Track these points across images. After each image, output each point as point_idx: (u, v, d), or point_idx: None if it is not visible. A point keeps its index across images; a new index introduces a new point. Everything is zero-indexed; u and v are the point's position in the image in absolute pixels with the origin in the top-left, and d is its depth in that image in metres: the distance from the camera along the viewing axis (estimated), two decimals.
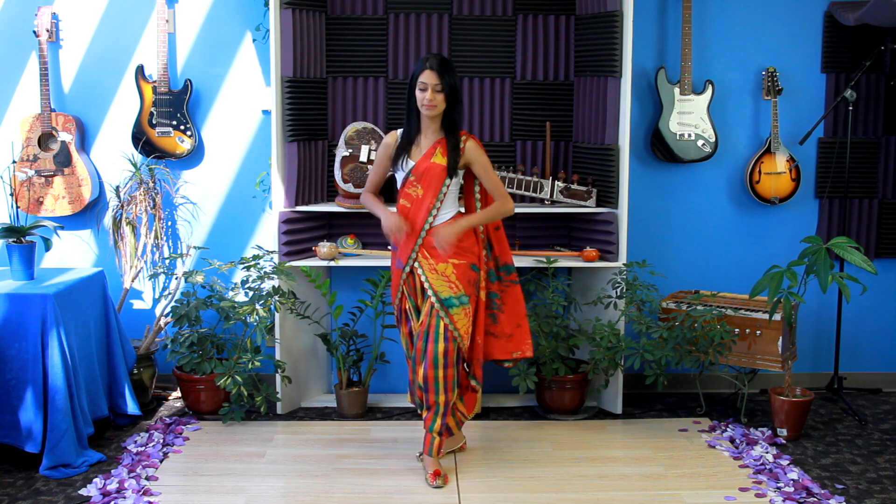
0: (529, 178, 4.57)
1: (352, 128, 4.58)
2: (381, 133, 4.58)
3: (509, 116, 4.78)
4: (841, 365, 4.84)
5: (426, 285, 3.76)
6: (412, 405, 4.56)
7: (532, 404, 4.73)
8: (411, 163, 3.79)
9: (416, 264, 3.79)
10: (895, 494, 3.71)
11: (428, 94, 3.67)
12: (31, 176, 4.68)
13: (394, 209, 3.83)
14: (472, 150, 3.75)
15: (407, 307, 3.87)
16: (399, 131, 3.86)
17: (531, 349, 4.00)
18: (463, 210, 3.91)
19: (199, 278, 4.51)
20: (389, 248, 4.05)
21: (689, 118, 4.75)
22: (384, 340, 4.71)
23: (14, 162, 4.65)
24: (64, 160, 4.69)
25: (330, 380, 4.93)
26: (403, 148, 3.81)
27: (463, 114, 3.80)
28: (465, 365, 3.92)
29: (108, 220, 4.83)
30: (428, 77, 3.66)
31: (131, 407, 4.36)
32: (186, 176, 4.86)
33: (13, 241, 4.10)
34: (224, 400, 4.49)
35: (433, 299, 3.74)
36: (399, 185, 3.85)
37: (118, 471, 3.83)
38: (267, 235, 4.85)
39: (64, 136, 4.69)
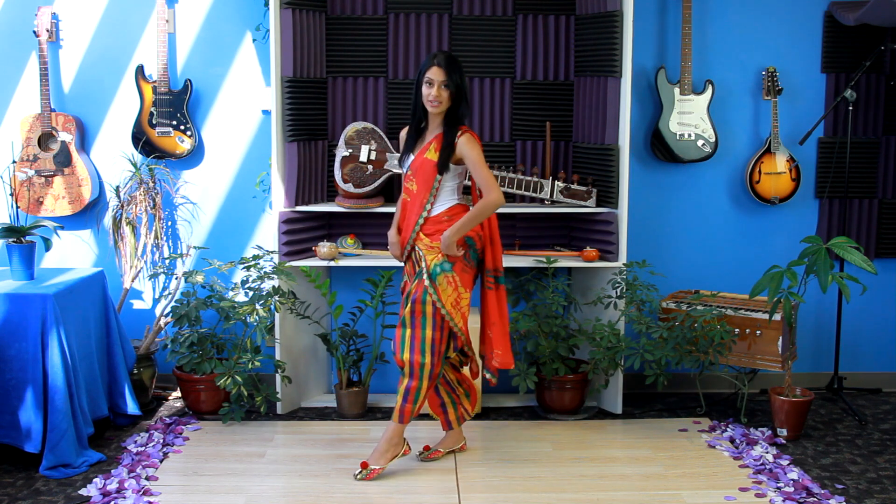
0: (529, 178, 4.57)
1: (352, 128, 4.58)
2: (382, 133, 4.58)
3: (509, 116, 4.78)
4: (841, 365, 4.83)
5: (423, 261, 3.77)
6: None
7: (532, 404, 4.73)
8: (412, 157, 3.81)
9: (416, 247, 3.82)
10: (895, 494, 3.71)
11: (434, 90, 3.69)
12: (31, 176, 4.68)
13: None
14: (463, 145, 3.72)
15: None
16: None
17: (511, 358, 3.93)
18: (464, 203, 3.91)
19: (199, 278, 4.51)
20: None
21: (689, 118, 4.75)
22: (384, 340, 4.71)
23: (14, 162, 4.65)
24: (64, 160, 4.69)
25: (330, 380, 4.93)
26: (409, 146, 3.85)
27: (468, 112, 3.79)
28: (461, 348, 3.93)
29: (108, 220, 4.83)
30: (435, 73, 3.68)
31: (131, 407, 4.36)
32: (186, 176, 4.86)
33: (13, 241, 4.10)
34: (224, 400, 4.49)
35: (425, 274, 3.75)
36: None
37: (118, 471, 3.83)
38: (267, 235, 4.85)
39: (64, 136, 4.69)
